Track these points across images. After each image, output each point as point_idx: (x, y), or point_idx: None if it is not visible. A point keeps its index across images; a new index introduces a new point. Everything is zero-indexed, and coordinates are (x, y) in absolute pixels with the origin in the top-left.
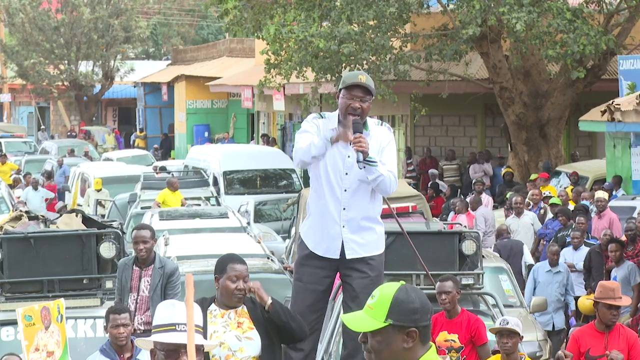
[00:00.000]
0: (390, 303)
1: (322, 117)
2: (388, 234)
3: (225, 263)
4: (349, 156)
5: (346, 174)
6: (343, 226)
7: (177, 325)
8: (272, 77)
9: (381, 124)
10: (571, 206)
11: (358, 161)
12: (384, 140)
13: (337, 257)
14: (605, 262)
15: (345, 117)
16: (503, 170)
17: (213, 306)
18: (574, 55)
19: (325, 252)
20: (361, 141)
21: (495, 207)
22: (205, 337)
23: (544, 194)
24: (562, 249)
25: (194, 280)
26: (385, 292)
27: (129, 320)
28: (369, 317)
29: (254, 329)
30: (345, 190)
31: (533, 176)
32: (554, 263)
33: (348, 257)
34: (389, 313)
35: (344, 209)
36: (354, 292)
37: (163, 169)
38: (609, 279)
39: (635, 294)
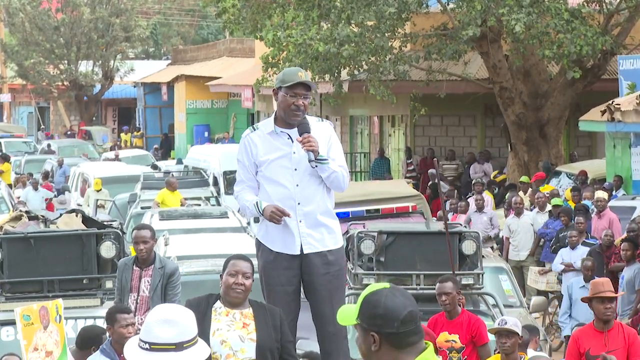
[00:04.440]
0: (361, 303)
1: (255, 130)
2: (388, 234)
3: (228, 261)
4: (294, 152)
5: (295, 169)
6: (300, 221)
7: (144, 343)
8: (270, 76)
9: (321, 120)
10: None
11: (310, 160)
12: (327, 136)
13: (297, 253)
14: (606, 262)
15: (287, 115)
16: (499, 177)
17: (218, 303)
18: (570, 56)
19: (286, 250)
20: (310, 141)
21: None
22: (207, 338)
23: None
24: (561, 248)
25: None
26: (364, 291)
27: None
28: (350, 311)
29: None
30: (298, 185)
31: (523, 178)
32: (588, 278)
33: (305, 252)
34: (359, 313)
35: (299, 204)
36: (315, 289)
37: (155, 167)
38: (613, 280)
39: (637, 297)
